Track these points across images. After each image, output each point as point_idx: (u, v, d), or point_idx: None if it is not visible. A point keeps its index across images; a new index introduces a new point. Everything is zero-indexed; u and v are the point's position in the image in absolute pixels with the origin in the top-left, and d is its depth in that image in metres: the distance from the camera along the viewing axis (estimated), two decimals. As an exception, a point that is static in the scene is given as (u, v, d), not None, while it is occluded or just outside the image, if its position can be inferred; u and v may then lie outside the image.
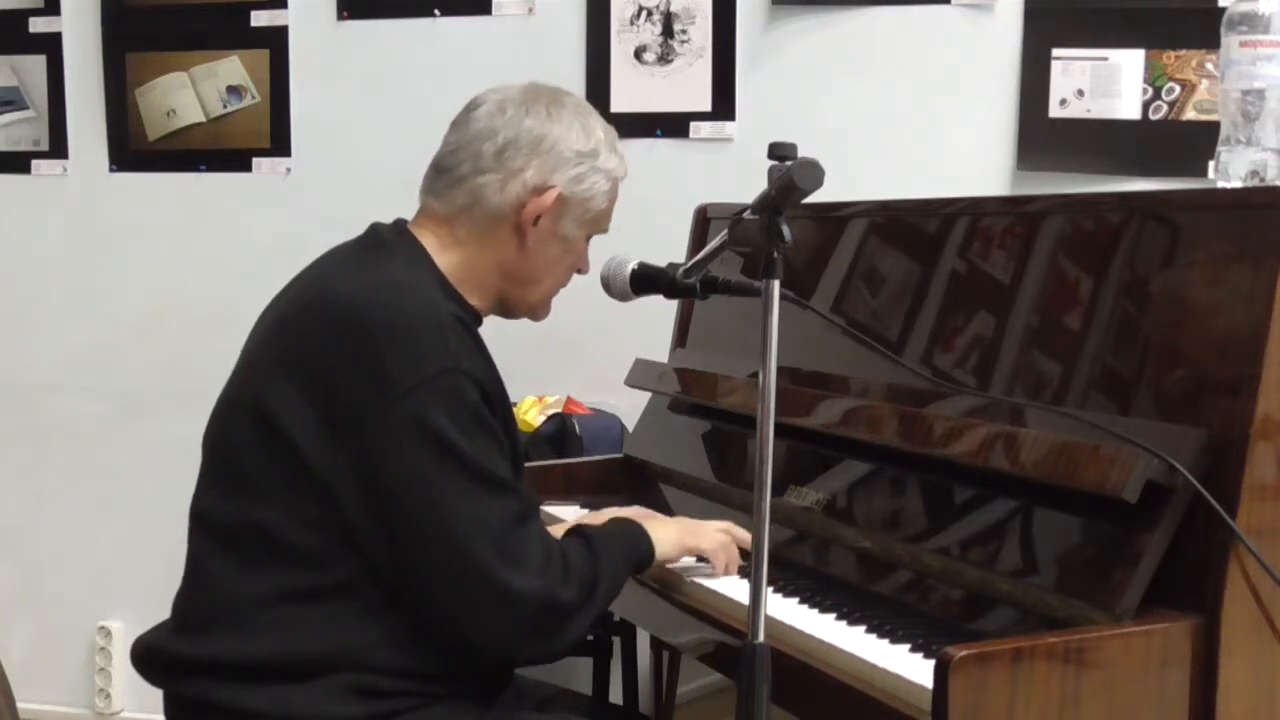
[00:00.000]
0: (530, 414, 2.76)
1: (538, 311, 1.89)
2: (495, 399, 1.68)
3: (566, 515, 2.21)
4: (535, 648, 1.68)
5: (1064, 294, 1.76)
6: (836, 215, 2.20)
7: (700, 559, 1.89)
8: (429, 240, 1.77)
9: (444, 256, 1.77)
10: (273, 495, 1.65)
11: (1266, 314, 1.47)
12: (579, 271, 1.89)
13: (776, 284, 1.40)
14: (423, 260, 1.75)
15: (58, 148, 3.33)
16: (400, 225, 1.81)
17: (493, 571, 1.59)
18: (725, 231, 1.54)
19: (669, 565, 1.87)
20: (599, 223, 1.85)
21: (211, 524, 1.71)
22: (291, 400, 1.64)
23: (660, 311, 2.32)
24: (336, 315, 1.66)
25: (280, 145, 3.19)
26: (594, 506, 2.27)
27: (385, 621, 1.64)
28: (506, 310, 1.86)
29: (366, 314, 1.63)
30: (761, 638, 1.36)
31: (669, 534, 1.86)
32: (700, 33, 2.92)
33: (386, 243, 1.77)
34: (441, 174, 1.80)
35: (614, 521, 1.87)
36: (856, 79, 2.83)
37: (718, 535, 1.89)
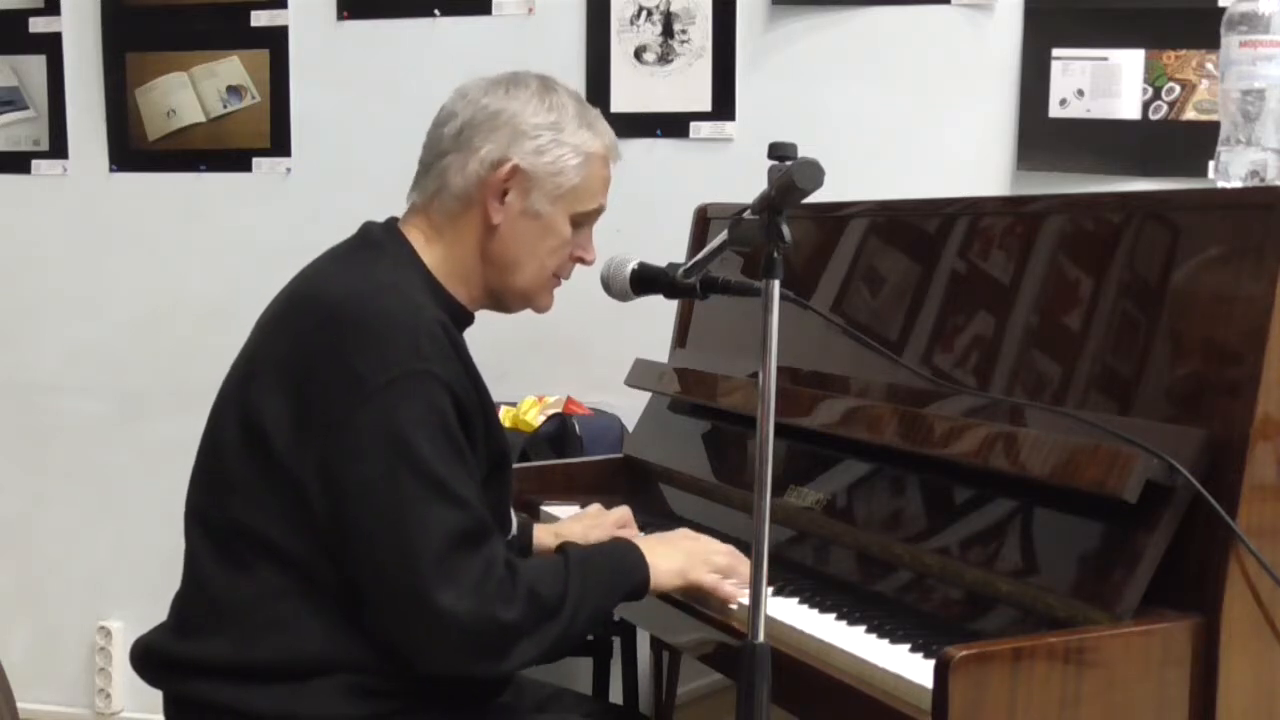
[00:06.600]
0: (530, 414, 2.75)
1: (532, 299, 1.84)
2: (469, 408, 1.64)
3: (566, 515, 2.21)
4: (477, 668, 1.61)
5: (1064, 294, 1.75)
6: (836, 215, 2.20)
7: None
8: (415, 237, 1.78)
9: (429, 252, 1.77)
10: (251, 494, 1.64)
11: (1266, 314, 1.47)
12: (582, 261, 1.85)
13: (776, 284, 1.40)
14: (410, 260, 1.75)
15: (58, 148, 3.32)
16: (391, 224, 1.81)
17: (423, 582, 1.54)
18: (725, 231, 1.54)
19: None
20: (579, 200, 1.79)
21: (204, 522, 1.71)
22: (271, 396, 1.64)
23: (660, 311, 2.32)
24: (318, 312, 1.66)
25: (280, 145, 3.19)
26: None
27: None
28: (500, 302, 1.84)
29: (345, 312, 1.63)
30: (761, 638, 1.36)
31: (671, 564, 1.76)
32: (700, 33, 2.91)
33: (376, 243, 1.77)
34: (419, 166, 1.82)
35: (611, 543, 1.82)
36: (856, 79, 2.83)
37: (720, 560, 1.78)
